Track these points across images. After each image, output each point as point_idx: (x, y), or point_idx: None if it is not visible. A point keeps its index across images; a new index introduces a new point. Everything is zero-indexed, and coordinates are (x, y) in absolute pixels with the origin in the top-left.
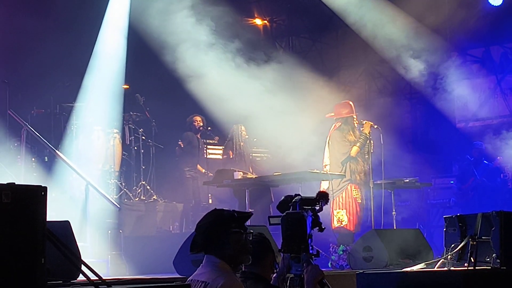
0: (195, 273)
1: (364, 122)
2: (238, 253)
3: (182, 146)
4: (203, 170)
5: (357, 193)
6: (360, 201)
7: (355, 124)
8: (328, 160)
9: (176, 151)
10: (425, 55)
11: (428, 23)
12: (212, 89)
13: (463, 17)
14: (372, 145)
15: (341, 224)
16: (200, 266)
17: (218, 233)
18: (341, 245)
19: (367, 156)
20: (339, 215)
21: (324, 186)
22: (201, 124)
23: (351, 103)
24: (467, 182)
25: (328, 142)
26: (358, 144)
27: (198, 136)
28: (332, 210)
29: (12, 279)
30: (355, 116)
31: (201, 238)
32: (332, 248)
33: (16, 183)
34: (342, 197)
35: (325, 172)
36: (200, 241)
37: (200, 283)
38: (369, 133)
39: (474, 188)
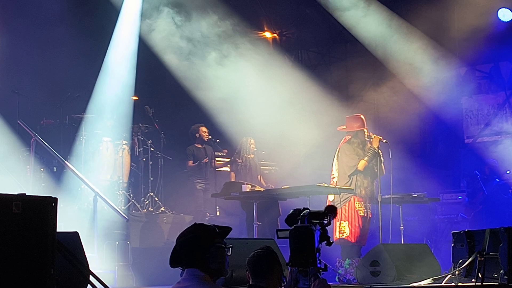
0: (176, 286)
1: (373, 136)
2: (220, 267)
3: (192, 164)
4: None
5: (359, 206)
6: (362, 214)
7: (365, 138)
8: (336, 173)
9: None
10: (434, 70)
11: (437, 37)
12: (223, 101)
13: (473, 32)
14: (382, 160)
15: (343, 235)
16: (182, 280)
17: (203, 248)
18: (347, 259)
19: (376, 171)
20: (341, 226)
21: (330, 198)
22: (208, 135)
23: (362, 116)
24: (476, 197)
25: (337, 155)
26: (366, 158)
27: (204, 147)
28: (335, 221)
29: None
30: (365, 130)
31: (185, 253)
32: (338, 263)
33: (26, 194)
34: (345, 209)
35: (333, 186)
36: (183, 255)
37: None
38: (378, 147)
39: (482, 203)
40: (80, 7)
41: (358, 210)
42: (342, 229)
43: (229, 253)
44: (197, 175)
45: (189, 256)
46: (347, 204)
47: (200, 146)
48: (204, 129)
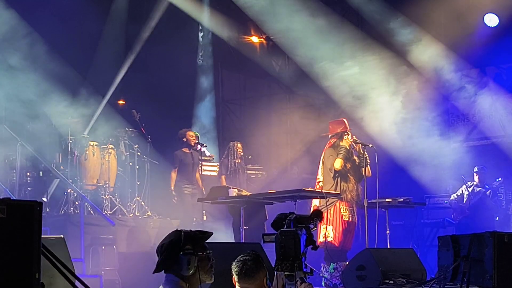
0: None
1: (357, 140)
2: (194, 273)
3: (176, 172)
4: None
5: (345, 211)
6: (347, 219)
7: (349, 141)
8: (321, 177)
9: (173, 186)
10: (421, 76)
11: (425, 43)
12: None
13: (459, 37)
14: (368, 162)
15: (327, 239)
16: (162, 285)
17: (173, 254)
18: (332, 263)
19: (361, 174)
20: (325, 230)
21: (315, 201)
22: (196, 140)
23: (345, 120)
24: (462, 202)
25: (322, 159)
26: (340, 156)
27: (191, 152)
28: (319, 225)
29: None
30: (349, 133)
31: (161, 258)
32: (323, 268)
33: (11, 198)
34: (330, 213)
35: (320, 191)
36: (159, 261)
37: None
38: (359, 149)
39: (469, 209)
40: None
41: (343, 215)
42: (326, 233)
43: (212, 259)
44: (184, 180)
45: (163, 262)
46: (332, 208)
47: (188, 151)
48: (191, 133)
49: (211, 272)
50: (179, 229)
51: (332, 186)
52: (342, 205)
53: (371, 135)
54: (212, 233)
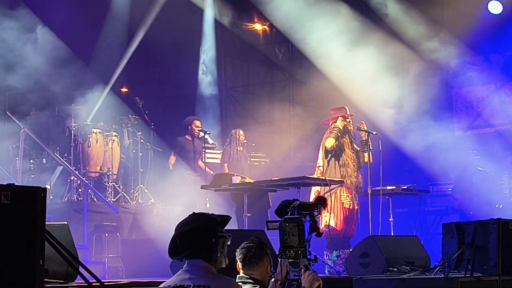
0: (178, 278)
1: (361, 127)
2: (222, 257)
3: (173, 162)
4: (206, 169)
5: (345, 198)
6: (348, 206)
7: (349, 127)
8: (321, 162)
9: (171, 165)
10: (424, 63)
11: (427, 29)
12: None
13: (463, 25)
14: (371, 148)
15: (329, 227)
16: (182, 271)
17: (206, 238)
18: (334, 251)
19: (361, 161)
20: (326, 218)
21: (315, 188)
22: (200, 128)
23: (346, 107)
24: (465, 190)
25: (322, 145)
26: (332, 135)
27: (194, 141)
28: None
29: (11, 280)
30: (349, 120)
31: (186, 243)
32: (326, 256)
33: (15, 184)
34: (330, 200)
35: (323, 178)
36: (184, 246)
37: None
38: (364, 136)
39: (472, 196)
40: None
41: (343, 202)
42: (326, 221)
43: (229, 243)
44: (186, 167)
45: (191, 247)
46: (333, 196)
47: (190, 138)
48: (198, 123)
49: (226, 256)
50: (196, 212)
51: (327, 169)
52: (343, 192)
53: (374, 122)
54: (230, 217)
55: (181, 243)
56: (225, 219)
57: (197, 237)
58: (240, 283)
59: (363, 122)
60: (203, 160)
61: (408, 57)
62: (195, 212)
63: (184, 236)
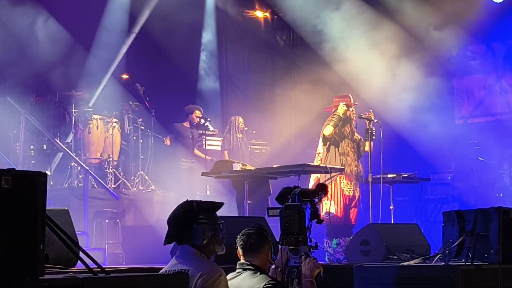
0: (170, 263)
1: (362, 115)
2: (208, 243)
3: (169, 144)
4: (203, 156)
5: (345, 185)
6: (348, 193)
7: (352, 116)
8: (321, 149)
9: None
10: (425, 50)
11: (430, 17)
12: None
13: (465, 13)
14: (373, 137)
15: (330, 214)
16: (174, 257)
17: (187, 224)
18: (334, 239)
19: (367, 150)
20: (326, 206)
21: (314, 174)
22: (200, 116)
23: (350, 95)
24: (466, 179)
25: (321, 132)
26: (331, 123)
27: (192, 129)
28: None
29: (11, 265)
30: (352, 108)
31: (173, 230)
32: (326, 243)
33: (16, 169)
34: (331, 188)
35: (324, 165)
36: (172, 232)
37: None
38: (343, 114)
39: (472, 185)
40: None
41: (343, 189)
42: (327, 209)
43: (223, 230)
44: (181, 154)
45: (177, 233)
46: (333, 183)
47: (187, 126)
48: (198, 113)
49: (222, 242)
50: (188, 199)
51: (327, 156)
52: (343, 180)
53: (376, 110)
54: (223, 203)
55: (168, 229)
56: (215, 205)
57: (179, 223)
58: (240, 270)
59: (370, 110)
60: (204, 147)
61: (411, 46)
62: (188, 199)
63: (170, 223)
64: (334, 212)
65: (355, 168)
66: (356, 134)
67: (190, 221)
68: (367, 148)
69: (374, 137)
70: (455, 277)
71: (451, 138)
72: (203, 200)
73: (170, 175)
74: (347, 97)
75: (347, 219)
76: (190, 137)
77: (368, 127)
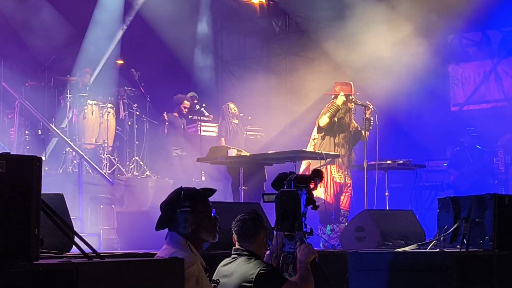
0: (161, 249)
1: (358, 102)
2: (194, 231)
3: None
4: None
5: (336, 172)
6: (338, 181)
7: (350, 106)
8: (316, 135)
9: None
10: (420, 37)
11: (425, 4)
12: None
13: (461, 0)
14: (370, 128)
15: (320, 202)
16: (165, 242)
17: (171, 212)
18: (328, 225)
19: (359, 140)
20: (317, 193)
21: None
22: (188, 107)
23: (351, 83)
24: (461, 166)
25: (317, 121)
26: (328, 114)
27: (182, 119)
28: None
29: (6, 249)
30: (352, 97)
31: (162, 216)
32: (320, 230)
33: (10, 153)
34: None
35: (319, 152)
36: (162, 219)
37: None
38: (342, 104)
39: (467, 172)
40: None
41: (334, 176)
42: (318, 196)
43: (215, 217)
44: (172, 143)
45: (162, 219)
46: (323, 170)
47: (177, 115)
48: (187, 103)
49: (214, 230)
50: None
51: (322, 143)
52: (333, 167)
53: (372, 97)
54: (215, 190)
55: (160, 215)
56: (205, 193)
57: (166, 210)
58: (235, 255)
59: (369, 103)
60: (199, 132)
61: (408, 33)
62: (182, 186)
63: (160, 209)
64: (324, 199)
65: (347, 159)
66: (353, 122)
67: (175, 208)
68: (362, 138)
69: (371, 128)
70: (449, 263)
71: (447, 125)
72: (197, 186)
73: (165, 160)
74: (348, 84)
75: (339, 206)
76: (182, 127)
77: (366, 116)
